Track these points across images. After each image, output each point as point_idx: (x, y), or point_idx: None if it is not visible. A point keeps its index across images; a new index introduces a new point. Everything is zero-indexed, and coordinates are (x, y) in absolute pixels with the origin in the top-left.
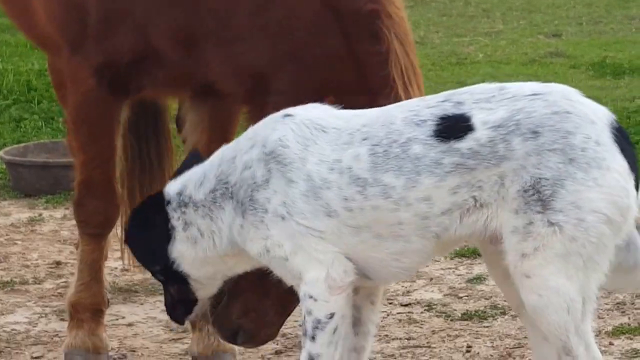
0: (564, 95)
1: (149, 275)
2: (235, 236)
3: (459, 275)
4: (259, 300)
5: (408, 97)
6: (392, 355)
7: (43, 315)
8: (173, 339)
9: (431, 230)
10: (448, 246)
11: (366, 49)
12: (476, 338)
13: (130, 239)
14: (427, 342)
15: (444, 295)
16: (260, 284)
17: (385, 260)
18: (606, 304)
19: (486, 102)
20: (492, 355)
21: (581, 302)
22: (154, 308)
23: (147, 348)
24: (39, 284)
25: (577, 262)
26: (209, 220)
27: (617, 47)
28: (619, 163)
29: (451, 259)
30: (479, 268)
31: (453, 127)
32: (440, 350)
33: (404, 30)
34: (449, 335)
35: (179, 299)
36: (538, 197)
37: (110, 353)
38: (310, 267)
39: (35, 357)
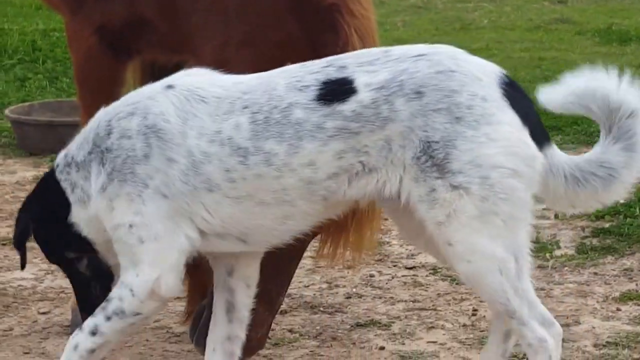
0: (449, 55)
1: None
2: (100, 201)
3: None
4: None
5: None
6: (398, 317)
7: (49, 271)
8: (178, 298)
9: (318, 194)
10: (339, 207)
11: (323, 40)
12: (481, 302)
13: (35, 225)
14: (433, 305)
15: None
16: None
17: (270, 225)
18: (613, 270)
19: (370, 65)
20: None
21: (513, 260)
22: None
23: None
24: None
25: (495, 221)
26: (88, 183)
27: (624, 14)
28: (510, 116)
29: None
30: None
31: (336, 91)
32: (445, 313)
33: (366, 28)
34: (454, 299)
35: (93, 275)
36: (432, 162)
37: None
38: (150, 264)
39: (42, 313)
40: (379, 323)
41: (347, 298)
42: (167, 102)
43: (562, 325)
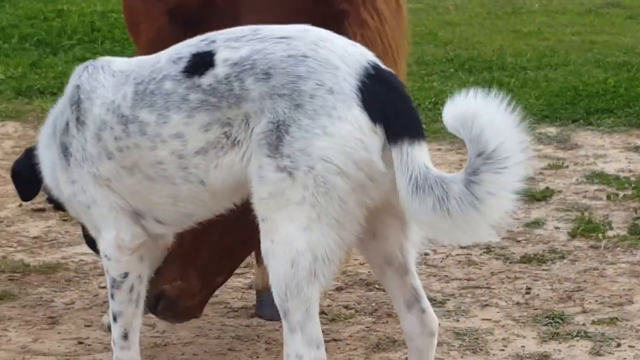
0: (311, 40)
1: None
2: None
3: (516, 219)
4: (185, 268)
5: None
6: (452, 294)
7: None
8: (235, 273)
9: (191, 173)
10: (225, 198)
11: None
12: (535, 280)
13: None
14: (487, 283)
15: (502, 238)
16: (190, 253)
17: (164, 204)
18: None
19: (235, 41)
20: (551, 298)
21: (311, 259)
22: None
23: None
24: None
25: (310, 213)
26: None
27: None
28: (354, 114)
29: None
30: (537, 212)
31: (198, 64)
32: (499, 292)
33: (376, 39)
34: (508, 277)
35: None
36: (267, 142)
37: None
38: (104, 225)
39: (103, 287)
40: (434, 300)
41: None
42: (85, 74)
43: (615, 305)
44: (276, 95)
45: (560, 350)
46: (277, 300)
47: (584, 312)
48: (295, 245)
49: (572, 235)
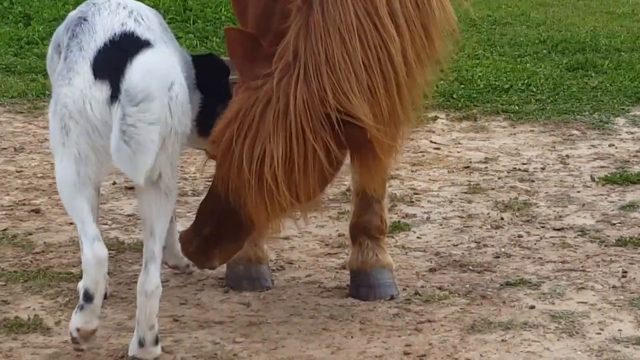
0: (100, 7)
1: None
2: None
3: (611, 202)
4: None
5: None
6: (547, 277)
7: None
8: (329, 254)
9: None
10: None
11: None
12: (631, 264)
13: None
14: (582, 266)
15: (597, 221)
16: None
17: None
18: None
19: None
20: None
21: (62, 185)
22: (309, 223)
23: (304, 261)
24: (197, 196)
25: (59, 149)
26: None
27: None
28: (85, 70)
29: (602, 185)
30: (632, 195)
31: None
32: (595, 275)
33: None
34: (603, 260)
35: None
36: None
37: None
38: None
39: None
40: (529, 282)
41: (496, 257)
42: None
43: None
44: (63, 46)
45: None
46: None
47: None
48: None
49: None
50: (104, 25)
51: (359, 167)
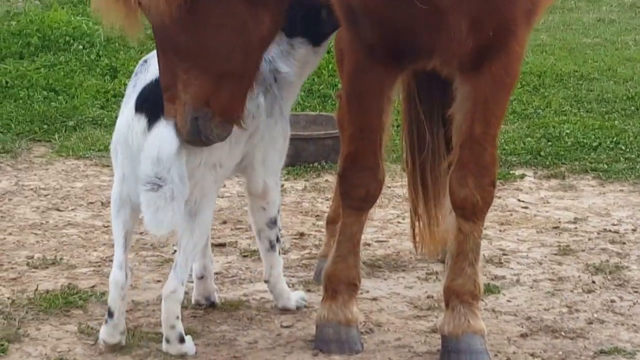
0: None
1: (391, 251)
2: None
3: None
4: None
5: None
6: None
7: (289, 285)
8: (418, 316)
9: None
10: None
11: None
12: None
13: None
14: None
15: None
16: None
17: None
18: None
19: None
20: None
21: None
22: (397, 284)
23: (393, 324)
24: (284, 254)
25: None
26: None
27: None
28: (130, 105)
29: None
30: None
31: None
32: None
33: None
34: None
35: None
36: None
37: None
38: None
39: (285, 326)
40: (623, 351)
41: (589, 323)
42: None
43: None
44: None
45: None
46: None
47: None
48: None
49: None
50: (155, 65)
51: None
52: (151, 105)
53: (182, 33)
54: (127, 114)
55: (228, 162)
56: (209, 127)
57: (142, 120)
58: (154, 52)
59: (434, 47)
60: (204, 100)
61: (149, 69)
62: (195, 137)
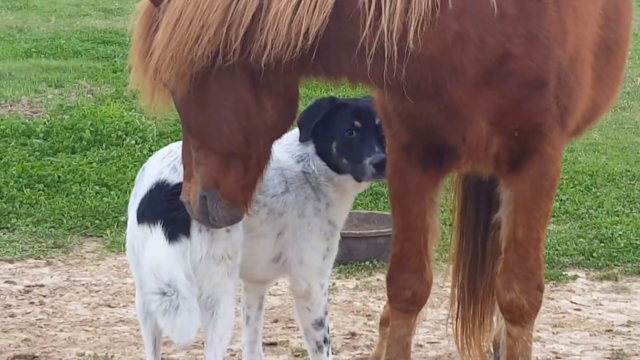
0: (158, 157)
1: (443, 352)
2: None
3: None
4: None
5: None
6: None
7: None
8: None
9: None
10: None
11: None
12: None
13: None
14: None
15: None
16: None
17: None
18: None
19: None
20: None
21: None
22: None
23: None
24: (335, 354)
25: None
26: None
27: None
28: (132, 214)
29: None
30: None
31: None
32: None
33: None
34: None
35: None
36: None
37: None
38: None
39: None
40: None
41: None
42: None
43: None
44: None
45: None
46: None
47: None
48: None
49: None
50: (151, 174)
51: None
52: (150, 217)
53: (192, 109)
54: (130, 224)
55: (241, 254)
56: (214, 208)
57: (144, 230)
58: (151, 157)
59: (461, 146)
60: (213, 180)
61: (144, 177)
62: (203, 216)
